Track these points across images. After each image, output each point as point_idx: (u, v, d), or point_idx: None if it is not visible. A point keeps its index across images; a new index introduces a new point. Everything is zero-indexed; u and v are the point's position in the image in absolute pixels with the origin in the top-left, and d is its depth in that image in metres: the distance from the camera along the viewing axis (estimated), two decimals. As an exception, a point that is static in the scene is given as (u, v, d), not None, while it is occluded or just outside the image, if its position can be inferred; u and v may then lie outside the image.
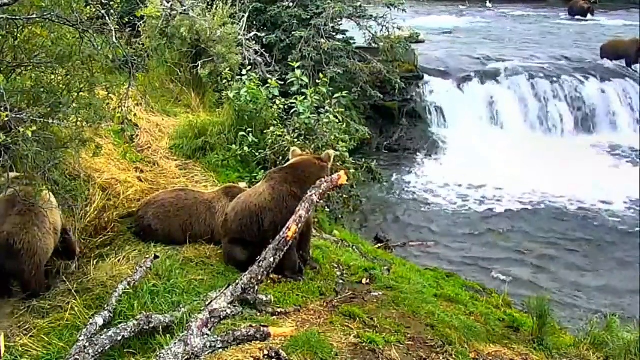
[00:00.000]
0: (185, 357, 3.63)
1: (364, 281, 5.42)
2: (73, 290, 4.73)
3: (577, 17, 25.86)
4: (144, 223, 5.81)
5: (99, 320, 4.05)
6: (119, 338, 3.87)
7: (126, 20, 6.15)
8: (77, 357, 3.67)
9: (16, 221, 4.65)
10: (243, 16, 11.16)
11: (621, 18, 26.53)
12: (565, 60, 17.85)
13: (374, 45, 13.69)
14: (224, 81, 8.71)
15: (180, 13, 9.54)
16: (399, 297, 5.07)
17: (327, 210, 8.42)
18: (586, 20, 25.68)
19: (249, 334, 3.88)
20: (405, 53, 14.46)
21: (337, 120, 8.08)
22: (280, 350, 3.83)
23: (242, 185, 6.37)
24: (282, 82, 9.48)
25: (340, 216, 8.92)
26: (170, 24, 9.53)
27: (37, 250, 4.73)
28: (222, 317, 4.08)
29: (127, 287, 4.51)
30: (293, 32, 12.41)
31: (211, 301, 4.19)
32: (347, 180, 5.19)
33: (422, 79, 15.93)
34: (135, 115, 7.95)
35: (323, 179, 5.02)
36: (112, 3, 4.85)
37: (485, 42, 20.72)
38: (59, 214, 5.04)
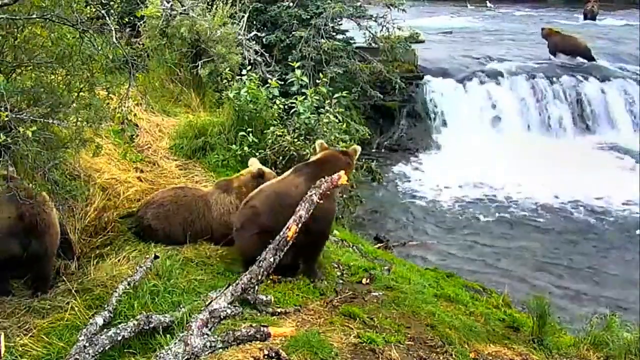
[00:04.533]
0: (185, 357, 3.63)
1: (364, 281, 5.42)
2: (73, 290, 4.72)
3: (588, 19, 25.82)
4: (144, 223, 5.81)
5: (99, 320, 4.05)
6: (119, 338, 3.87)
7: (126, 20, 6.16)
8: (77, 357, 3.67)
9: (31, 202, 4.62)
10: (243, 16, 11.15)
11: (619, 18, 26.56)
12: (565, 60, 17.85)
13: (374, 45, 13.69)
14: (224, 81, 8.71)
15: (180, 13, 9.54)
16: (399, 297, 5.07)
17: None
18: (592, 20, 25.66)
19: (249, 334, 3.89)
20: (405, 53, 14.48)
21: (337, 120, 8.08)
22: (280, 350, 3.83)
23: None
24: (282, 82, 9.48)
25: (340, 216, 8.91)
26: (170, 24, 9.53)
27: (56, 231, 4.77)
28: (222, 317, 4.08)
29: (127, 287, 4.51)
30: (293, 32, 12.40)
31: (211, 301, 4.19)
32: (347, 181, 5.19)
33: (422, 79, 15.93)
34: (135, 115, 7.98)
35: (323, 179, 5.02)
36: (112, 3, 4.85)
37: (485, 42, 20.71)
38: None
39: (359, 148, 5.71)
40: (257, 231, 5.19)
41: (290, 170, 5.55)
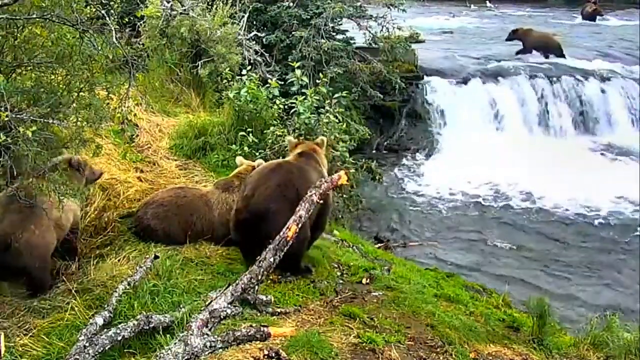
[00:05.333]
0: (185, 357, 3.63)
1: (364, 281, 5.42)
2: (73, 290, 4.72)
3: (587, 20, 25.69)
4: (144, 223, 5.81)
5: (99, 320, 4.05)
6: (119, 338, 3.87)
7: (126, 20, 6.15)
8: (77, 357, 3.67)
9: (13, 219, 4.65)
10: (243, 16, 11.16)
11: (619, 18, 26.55)
12: (565, 60, 17.86)
13: (374, 45, 13.70)
14: (224, 81, 8.72)
15: (180, 13, 9.55)
16: (399, 297, 5.07)
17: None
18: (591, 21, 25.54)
19: (249, 334, 3.89)
20: (405, 53, 14.47)
21: (337, 120, 8.09)
22: (280, 350, 3.83)
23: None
24: (282, 82, 9.49)
25: (340, 216, 8.92)
26: (170, 24, 9.54)
27: (37, 245, 4.75)
28: (222, 317, 4.08)
29: (127, 287, 4.51)
30: (293, 32, 12.41)
31: (211, 301, 4.19)
32: (347, 181, 5.19)
33: (422, 79, 15.92)
34: (135, 115, 7.97)
35: (323, 179, 5.03)
36: (112, 3, 4.85)
37: (485, 42, 20.71)
38: (64, 210, 5.02)
39: (324, 138, 6.09)
40: (294, 196, 5.04)
41: (292, 156, 5.66)
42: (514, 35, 18.75)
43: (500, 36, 21.55)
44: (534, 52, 18.23)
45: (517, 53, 18.20)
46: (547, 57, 17.96)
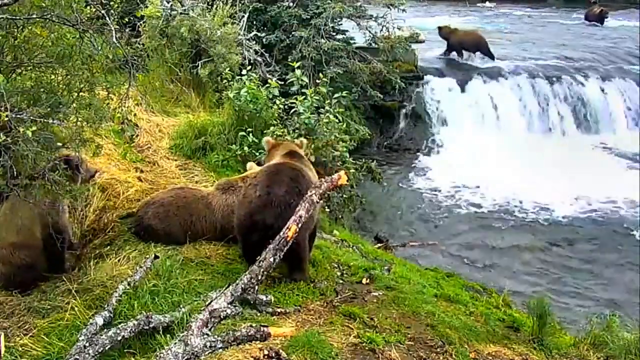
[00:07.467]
0: (185, 357, 3.63)
1: (364, 281, 5.42)
2: (73, 290, 4.73)
3: (593, 23, 25.09)
4: (144, 223, 5.80)
5: (99, 320, 4.05)
6: (119, 338, 3.87)
7: (126, 20, 6.14)
8: (77, 357, 3.67)
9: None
10: (243, 16, 11.17)
11: (619, 18, 26.55)
12: (565, 60, 17.87)
13: (374, 45, 13.70)
14: (224, 81, 8.72)
15: (180, 13, 9.55)
16: (399, 297, 5.07)
17: (327, 210, 8.42)
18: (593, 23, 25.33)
19: (249, 334, 3.88)
20: (405, 53, 14.48)
21: (337, 120, 8.09)
22: (280, 350, 3.83)
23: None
24: (282, 82, 9.48)
25: (340, 216, 8.92)
26: (170, 24, 9.54)
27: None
28: (222, 317, 4.08)
29: (127, 287, 4.51)
30: (293, 32, 12.42)
31: (211, 301, 4.18)
32: (347, 181, 5.19)
33: (422, 79, 15.94)
34: (135, 115, 7.98)
35: (323, 179, 5.02)
36: (112, 3, 4.85)
37: (485, 42, 20.65)
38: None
39: (305, 140, 6.11)
40: (305, 192, 5.07)
41: (283, 155, 5.55)
42: (439, 32, 18.17)
43: (500, 37, 21.60)
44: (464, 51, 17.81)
45: (445, 53, 17.86)
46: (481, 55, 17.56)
